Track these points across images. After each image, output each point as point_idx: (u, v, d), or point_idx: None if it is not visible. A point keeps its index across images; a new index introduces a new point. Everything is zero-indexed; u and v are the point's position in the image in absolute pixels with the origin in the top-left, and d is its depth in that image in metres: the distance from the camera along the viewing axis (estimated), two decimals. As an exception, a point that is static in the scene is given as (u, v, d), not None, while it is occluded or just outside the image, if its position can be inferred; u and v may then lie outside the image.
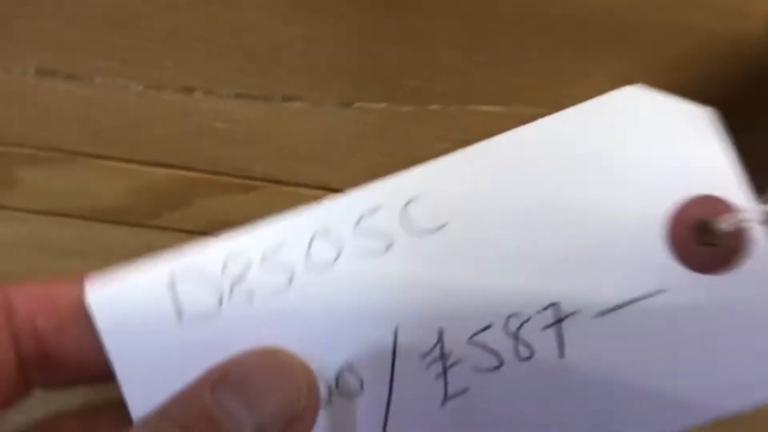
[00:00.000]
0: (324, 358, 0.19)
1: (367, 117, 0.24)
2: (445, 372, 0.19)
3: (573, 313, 0.19)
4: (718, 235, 0.19)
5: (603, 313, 0.19)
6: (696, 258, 0.19)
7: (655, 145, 0.19)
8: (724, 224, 0.19)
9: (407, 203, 0.19)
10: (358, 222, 0.19)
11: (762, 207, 0.19)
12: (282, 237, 0.20)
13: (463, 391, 0.19)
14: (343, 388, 0.19)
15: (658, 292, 0.19)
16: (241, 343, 0.19)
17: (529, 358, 0.19)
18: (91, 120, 0.24)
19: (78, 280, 0.20)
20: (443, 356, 0.19)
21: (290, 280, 0.20)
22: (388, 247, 0.19)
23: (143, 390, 0.19)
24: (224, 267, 0.20)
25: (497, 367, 0.19)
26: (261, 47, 0.23)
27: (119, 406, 0.19)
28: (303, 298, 0.19)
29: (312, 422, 0.18)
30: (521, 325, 0.19)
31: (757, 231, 0.19)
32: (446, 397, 0.19)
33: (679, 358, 0.19)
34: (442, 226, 0.19)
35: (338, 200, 0.20)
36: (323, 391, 0.19)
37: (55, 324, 0.20)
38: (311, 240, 0.20)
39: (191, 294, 0.20)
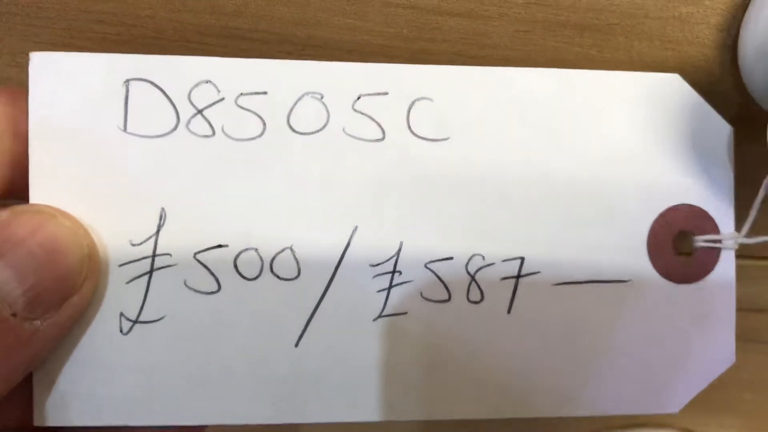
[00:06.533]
0: (268, 232, 0.17)
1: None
2: (390, 288, 0.18)
3: (535, 273, 0.18)
4: (694, 248, 0.19)
5: (563, 282, 0.18)
6: (666, 262, 0.19)
7: (670, 138, 0.18)
8: (701, 242, 0.19)
9: (415, 101, 0.17)
10: (358, 98, 0.17)
11: (739, 236, 0.19)
12: (269, 83, 0.17)
13: (402, 314, 0.18)
14: (278, 269, 0.17)
15: (620, 281, 0.18)
16: (183, 173, 0.17)
17: (477, 302, 0.18)
18: None
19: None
20: (394, 271, 0.18)
21: (263, 131, 0.17)
22: (382, 139, 0.17)
23: (48, 175, 0.16)
24: (191, 90, 0.17)
25: (444, 301, 0.18)
26: None
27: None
28: (269, 155, 0.17)
29: (90, 293, 0.16)
30: (482, 268, 0.18)
31: (726, 257, 0.19)
32: (381, 314, 0.18)
33: (611, 349, 0.18)
34: (444, 139, 0.18)
35: (342, 67, 0.17)
36: (257, 265, 0.17)
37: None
38: (301, 97, 0.17)
39: (145, 105, 0.17)
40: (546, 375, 0.18)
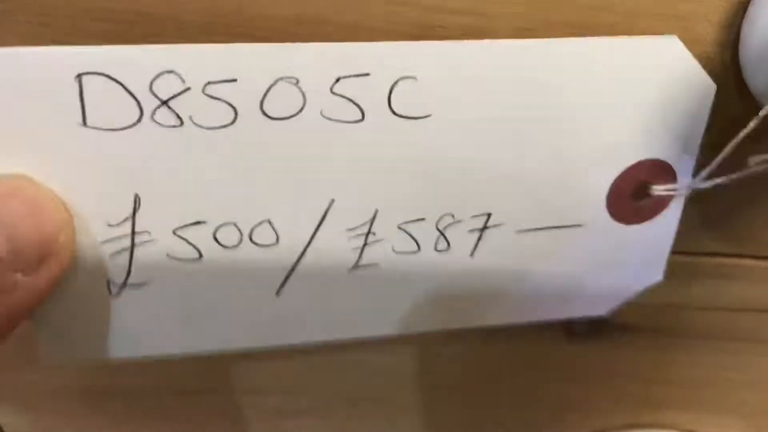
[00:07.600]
0: (246, 210, 0.17)
1: None
2: (364, 246, 0.19)
3: (499, 225, 0.19)
4: (651, 196, 0.20)
5: (524, 230, 0.19)
6: (621, 208, 0.20)
7: (649, 93, 0.18)
8: (657, 191, 0.20)
9: (397, 81, 0.16)
10: (336, 81, 0.16)
11: (692, 182, 0.20)
12: (238, 69, 0.15)
13: (373, 265, 0.19)
14: (257, 238, 0.18)
15: (575, 225, 0.20)
16: (154, 162, 0.16)
17: (443, 251, 0.19)
18: None
19: None
20: (369, 233, 0.18)
21: (235, 118, 0.16)
22: (361, 120, 0.17)
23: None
24: (153, 81, 0.15)
25: (413, 252, 0.19)
26: None
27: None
28: (243, 142, 0.16)
29: (66, 262, 0.17)
30: (450, 224, 0.19)
31: (677, 200, 0.20)
32: (356, 265, 0.19)
33: (555, 269, 0.21)
34: (425, 116, 0.17)
35: (317, 48, 0.16)
36: (236, 236, 0.18)
37: None
38: (274, 82, 0.16)
39: (104, 99, 0.15)
40: (497, 296, 0.21)
